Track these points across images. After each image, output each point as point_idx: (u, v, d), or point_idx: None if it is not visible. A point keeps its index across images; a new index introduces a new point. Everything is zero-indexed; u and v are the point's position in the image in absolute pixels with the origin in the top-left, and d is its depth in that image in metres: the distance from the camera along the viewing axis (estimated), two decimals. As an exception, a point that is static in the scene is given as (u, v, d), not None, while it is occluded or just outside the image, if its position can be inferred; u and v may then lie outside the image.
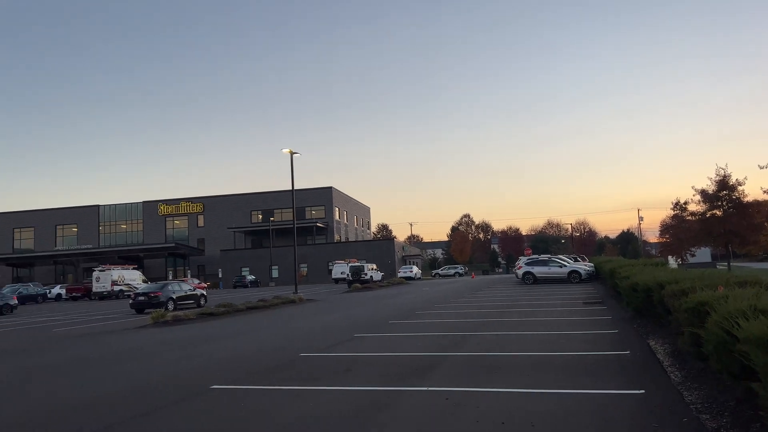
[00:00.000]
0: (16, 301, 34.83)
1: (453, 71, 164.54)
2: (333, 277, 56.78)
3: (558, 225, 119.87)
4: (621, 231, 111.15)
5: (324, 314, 21.50)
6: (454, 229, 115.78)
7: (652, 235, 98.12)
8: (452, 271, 73.25)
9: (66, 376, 10.28)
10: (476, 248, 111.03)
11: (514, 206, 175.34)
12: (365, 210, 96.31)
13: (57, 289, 52.86)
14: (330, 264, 63.92)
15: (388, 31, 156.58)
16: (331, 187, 77.37)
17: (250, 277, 63.82)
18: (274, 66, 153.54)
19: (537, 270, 34.01)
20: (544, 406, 6.58)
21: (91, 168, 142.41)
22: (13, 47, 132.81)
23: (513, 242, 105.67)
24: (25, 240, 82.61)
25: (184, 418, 6.85)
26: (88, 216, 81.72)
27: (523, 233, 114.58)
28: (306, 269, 67.63)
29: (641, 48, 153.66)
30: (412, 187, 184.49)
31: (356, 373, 9.10)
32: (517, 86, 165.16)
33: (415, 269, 64.15)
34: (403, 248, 78.29)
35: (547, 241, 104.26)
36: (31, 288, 50.68)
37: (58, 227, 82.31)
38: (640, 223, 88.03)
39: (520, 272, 35.28)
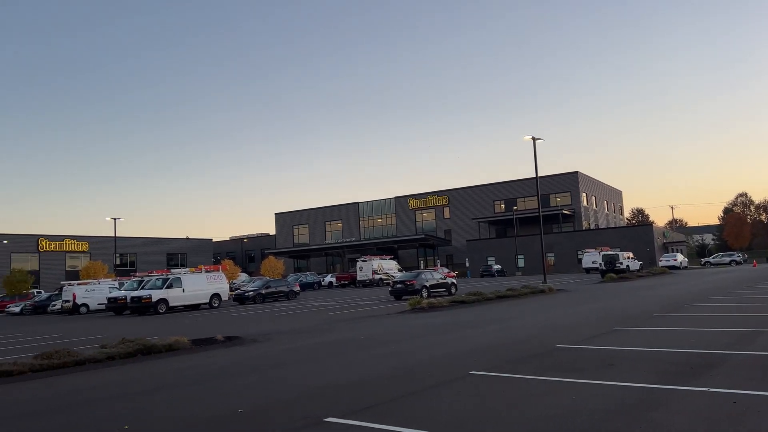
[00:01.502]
0: (299, 288, 40.45)
1: (719, 30, 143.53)
2: (584, 266, 54.20)
3: None
4: None
5: (577, 305, 20.64)
6: (727, 211, 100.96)
7: None
8: (727, 259, 64.04)
9: (344, 354, 11.59)
10: (757, 232, 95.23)
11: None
12: (616, 194, 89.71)
13: (328, 278, 60.03)
14: (579, 253, 61.06)
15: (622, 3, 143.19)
16: (576, 172, 73.82)
17: (496, 267, 64.30)
18: (508, 54, 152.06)
19: None
20: None
21: (350, 169, 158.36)
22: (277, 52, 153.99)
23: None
24: (301, 235, 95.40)
25: (448, 400, 7.18)
26: (350, 212, 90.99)
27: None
28: (553, 258, 65.68)
29: None
30: (672, 167, 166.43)
31: (620, 368, 8.53)
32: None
33: (680, 257, 57.76)
34: (663, 234, 71.00)
35: None
36: (309, 277, 58.31)
37: (326, 223, 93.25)
38: None
39: (820, 259, 29.31)
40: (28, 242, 74.16)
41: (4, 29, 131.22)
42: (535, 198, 50.16)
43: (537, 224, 39.05)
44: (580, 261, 58.43)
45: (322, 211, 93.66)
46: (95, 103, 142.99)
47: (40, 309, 40.92)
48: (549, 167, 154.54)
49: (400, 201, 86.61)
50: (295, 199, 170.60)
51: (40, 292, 50.87)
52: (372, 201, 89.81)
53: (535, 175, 36.90)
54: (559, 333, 12.97)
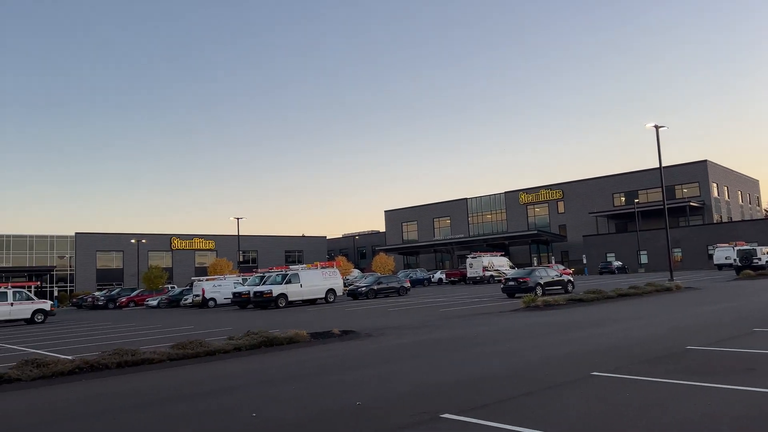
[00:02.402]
0: (409, 284, 40.78)
1: None
2: (715, 262, 50.04)
3: None
4: None
5: (708, 304, 19.10)
6: None
7: None
8: None
9: (458, 351, 11.52)
10: None
11: None
12: (752, 184, 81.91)
13: (438, 274, 60.01)
14: (710, 248, 56.53)
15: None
16: (705, 161, 68.25)
17: (617, 263, 61.05)
18: (627, 36, 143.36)
19: None
20: None
21: (458, 165, 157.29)
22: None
23: None
24: (410, 232, 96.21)
25: (568, 401, 6.91)
26: (458, 209, 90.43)
27: None
28: (680, 254, 61.25)
29: None
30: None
31: (763, 372, 7.78)
32: None
33: (831, 252, 51.59)
34: (809, 227, 63.80)
35: None
36: (419, 273, 58.63)
37: (434, 220, 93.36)
38: None
39: None
40: (163, 241, 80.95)
41: (130, 30, 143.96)
42: (659, 189, 47.09)
43: (661, 218, 36.61)
44: (710, 257, 54.12)
45: (430, 208, 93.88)
46: (216, 110, 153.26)
47: (173, 303, 44.46)
48: (674, 156, 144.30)
49: (511, 196, 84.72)
50: (404, 197, 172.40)
51: (174, 287, 55.25)
52: (481, 197, 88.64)
53: (658, 165, 34.54)
54: (689, 334, 12.07)
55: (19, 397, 9.37)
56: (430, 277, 58.19)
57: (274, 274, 34.27)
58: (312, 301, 33.59)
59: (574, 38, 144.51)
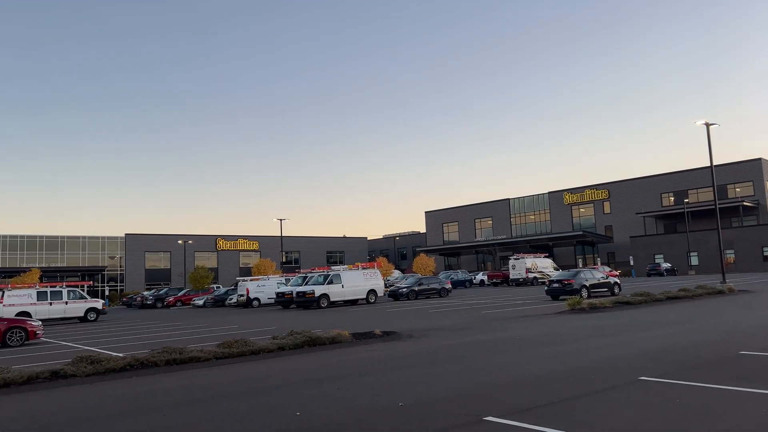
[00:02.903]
0: (450, 286, 40.53)
1: None
2: (771, 264, 48.12)
3: None
4: None
5: (763, 308, 18.39)
6: None
7: None
8: None
9: (501, 354, 11.43)
10: None
11: None
12: (812, 182, 78.19)
13: (480, 276, 59.41)
14: (765, 249, 54.34)
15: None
16: (759, 159, 65.56)
17: (665, 265, 59.26)
18: (675, 31, 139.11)
19: None
20: None
21: (502, 165, 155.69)
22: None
23: None
24: (451, 233, 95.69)
25: (615, 406, 6.77)
26: (500, 209, 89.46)
27: None
28: (733, 255, 59.03)
29: None
30: None
31: (823, 380, 7.44)
32: None
33: None
34: None
35: None
36: (460, 274, 58.14)
37: (476, 221, 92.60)
38: None
39: None
40: (208, 242, 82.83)
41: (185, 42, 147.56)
42: (710, 189, 45.58)
43: (713, 218, 35.38)
44: (765, 258, 52.03)
45: (471, 209, 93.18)
46: (261, 113, 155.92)
47: (219, 302, 45.36)
48: (726, 154, 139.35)
49: (555, 196, 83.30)
50: (445, 198, 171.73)
51: (219, 287, 56.38)
52: (524, 197, 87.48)
53: (709, 164, 33.42)
54: (742, 338, 11.64)
55: (74, 392, 9.76)
56: (471, 279, 57.68)
57: (316, 275, 34.59)
58: (353, 302, 33.78)
59: (620, 35, 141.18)
